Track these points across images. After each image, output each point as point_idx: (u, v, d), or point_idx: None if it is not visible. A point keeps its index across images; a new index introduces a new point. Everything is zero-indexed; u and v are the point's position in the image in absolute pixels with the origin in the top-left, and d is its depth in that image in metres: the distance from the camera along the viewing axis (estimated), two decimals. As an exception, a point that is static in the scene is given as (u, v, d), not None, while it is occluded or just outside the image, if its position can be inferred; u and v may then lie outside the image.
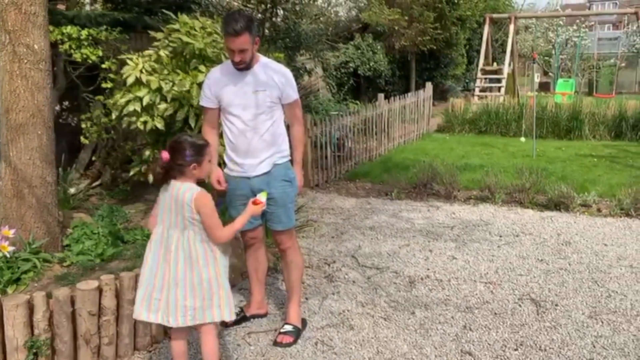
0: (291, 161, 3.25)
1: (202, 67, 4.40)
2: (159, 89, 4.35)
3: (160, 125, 4.40)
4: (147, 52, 4.60)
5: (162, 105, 4.37)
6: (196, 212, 2.43)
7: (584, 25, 20.73)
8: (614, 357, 2.98)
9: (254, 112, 3.04)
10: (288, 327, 3.22)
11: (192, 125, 4.37)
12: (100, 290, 2.86)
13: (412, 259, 4.46)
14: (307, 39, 10.11)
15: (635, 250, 4.56)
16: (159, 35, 4.63)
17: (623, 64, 19.20)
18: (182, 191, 2.44)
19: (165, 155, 2.43)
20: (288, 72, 3.16)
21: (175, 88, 4.30)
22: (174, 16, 4.67)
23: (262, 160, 3.08)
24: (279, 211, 3.14)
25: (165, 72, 4.45)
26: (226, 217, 3.25)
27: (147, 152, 4.73)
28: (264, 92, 3.04)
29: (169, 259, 2.47)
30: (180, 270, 2.46)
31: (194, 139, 2.50)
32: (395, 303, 3.68)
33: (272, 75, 3.07)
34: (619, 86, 18.38)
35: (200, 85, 4.33)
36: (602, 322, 3.35)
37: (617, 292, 3.79)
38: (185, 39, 4.39)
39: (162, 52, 4.53)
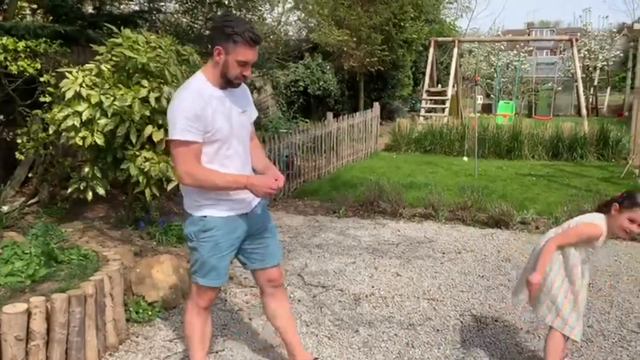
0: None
1: (144, 82, 4.31)
2: (100, 104, 4.23)
3: (100, 141, 4.26)
4: (87, 66, 4.47)
5: (103, 121, 4.24)
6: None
7: (523, 50, 21.71)
8: (549, 371, 3.06)
9: (245, 137, 2.66)
10: None
11: (133, 141, 4.26)
12: (29, 313, 2.72)
13: (357, 277, 4.47)
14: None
15: (570, 266, 4.73)
16: (102, 49, 4.52)
17: (560, 88, 20.17)
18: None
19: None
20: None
21: (117, 103, 4.19)
22: (117, 30, 4.57)
23: None
24: (274, 241, 2.83)
25: (107, 86, 4.33)
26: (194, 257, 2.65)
27: (87, 169, 4.56)
28: (246, 113, 2.69)
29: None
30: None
31: None
32: (339, 321, 3.67)
33: (244, 92, 2.74)
34: (556, 109, 19.25)
35: (142, 100, 4.24)
36: (539, 337, 3.45)
37: (553, 306, 3.91)
38: (128, 53, 4.29)
39: (103, 66, 4.42)
